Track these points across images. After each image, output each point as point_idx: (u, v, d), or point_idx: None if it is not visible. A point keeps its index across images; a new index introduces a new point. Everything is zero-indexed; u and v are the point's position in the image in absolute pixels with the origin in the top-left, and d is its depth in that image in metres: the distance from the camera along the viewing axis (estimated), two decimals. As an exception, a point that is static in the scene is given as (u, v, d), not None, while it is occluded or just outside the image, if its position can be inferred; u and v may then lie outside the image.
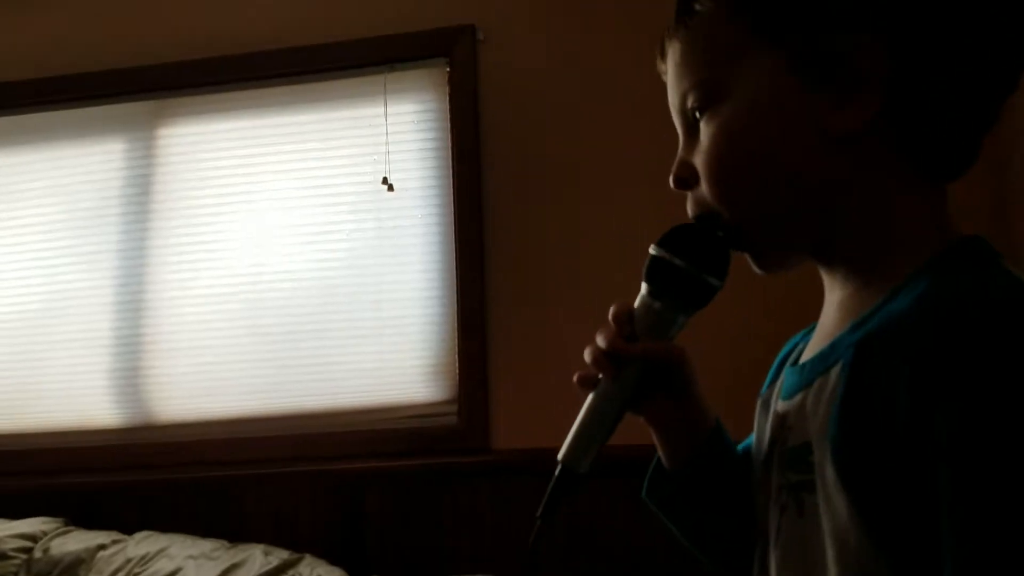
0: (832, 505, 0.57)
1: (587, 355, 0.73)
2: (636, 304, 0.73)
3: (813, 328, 0.73)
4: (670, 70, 0.71)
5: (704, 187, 0.67)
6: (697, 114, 0.68)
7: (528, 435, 2.21)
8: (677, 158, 0.71)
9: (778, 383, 0.72)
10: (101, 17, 2.58)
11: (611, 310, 0.73)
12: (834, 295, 0.68)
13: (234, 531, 2.18)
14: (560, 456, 0.74)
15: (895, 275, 0.60)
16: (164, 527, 2.18)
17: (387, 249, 2.37)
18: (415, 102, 2.41)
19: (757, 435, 0.74)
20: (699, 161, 0.68)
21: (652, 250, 0.71)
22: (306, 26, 2.46)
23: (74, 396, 2.40)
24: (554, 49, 2.37)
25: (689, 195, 0.70)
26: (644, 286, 0.72)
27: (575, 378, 0.74)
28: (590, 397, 0.74)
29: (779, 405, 0.69)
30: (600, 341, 0.72)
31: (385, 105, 2.40)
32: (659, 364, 0.73)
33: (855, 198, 0.63)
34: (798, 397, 0.65)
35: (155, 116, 2.51)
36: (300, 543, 2.16)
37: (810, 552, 0.61)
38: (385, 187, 2.36)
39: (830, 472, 0.57)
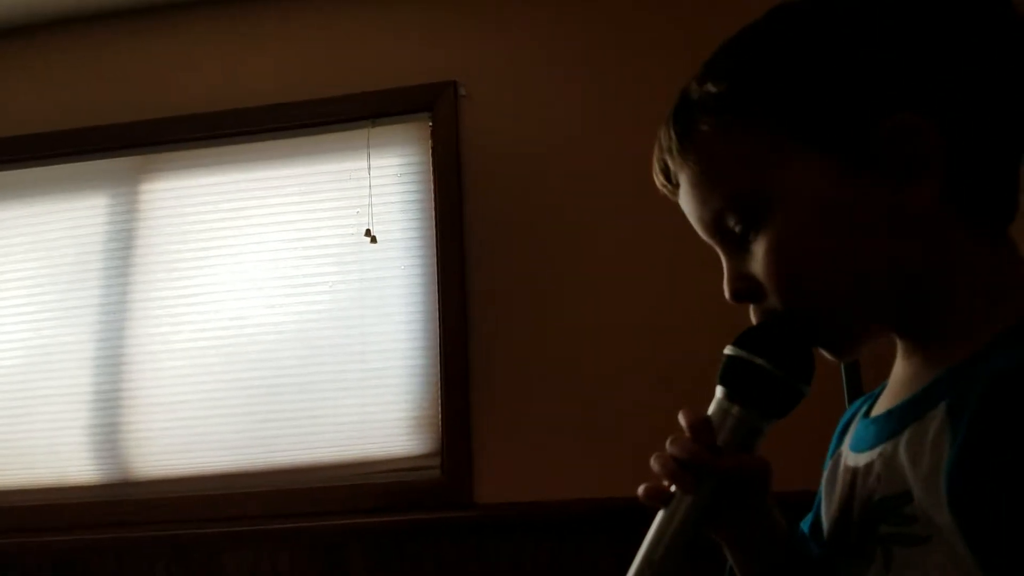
0: (948, 555, 0.54)
1: (658, 465, 0.66)
2: (711, 410, 0.67)
3: (878, 391, 0.71)
4: (687, 191, 0.69)
5: (776, 298, 0.65)
6: (739, 229, 0.66)
7: (513, 489, 2.19)
8: (729, 274, 0.68)
9: (846, 439, 0.70)
10: (85, 74, 2.61)
11: (684, 417, 0.67)
12: (915, 351, 0.66)
13: None
14: None
15: (993, 323, 0.59)
16: None
17: (370, 301, 2.36)
18: (398, 156, 2.43)
19: (826, 498, 0.71)
20: (764, 273, 0.65)
21: (730, 352, 0.66)
22: (290, 82, 2.49)
23: (54, 452, 2.36)
24: (535, 104, 2.41)
25: (752, 307, 0.68)
26: (719, 390, 0.67)
27: (640, 492, 0.67)
28: (658, 518, 0.67)
29: (852, 459, 0.67)
30: (678, 451, 0.66)
31: (368, 159, 2.42)
32: (749, 478, 0.67)
33: (935, 270, 0.62)
34: (884, 446, 0.62)
35: (139, 171, 2.52)
36: None
37: None
38: (368, 239, 2.36)
39: (946, 522, 0.54)
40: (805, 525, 0.79)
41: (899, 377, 0.68)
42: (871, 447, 0.64)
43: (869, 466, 0.64)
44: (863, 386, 1.54)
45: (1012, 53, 0.61)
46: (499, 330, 2.29)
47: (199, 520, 2.25)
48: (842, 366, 1.57)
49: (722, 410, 0.66)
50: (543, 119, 2.39)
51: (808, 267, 0.63)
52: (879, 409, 0.67)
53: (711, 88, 0.66)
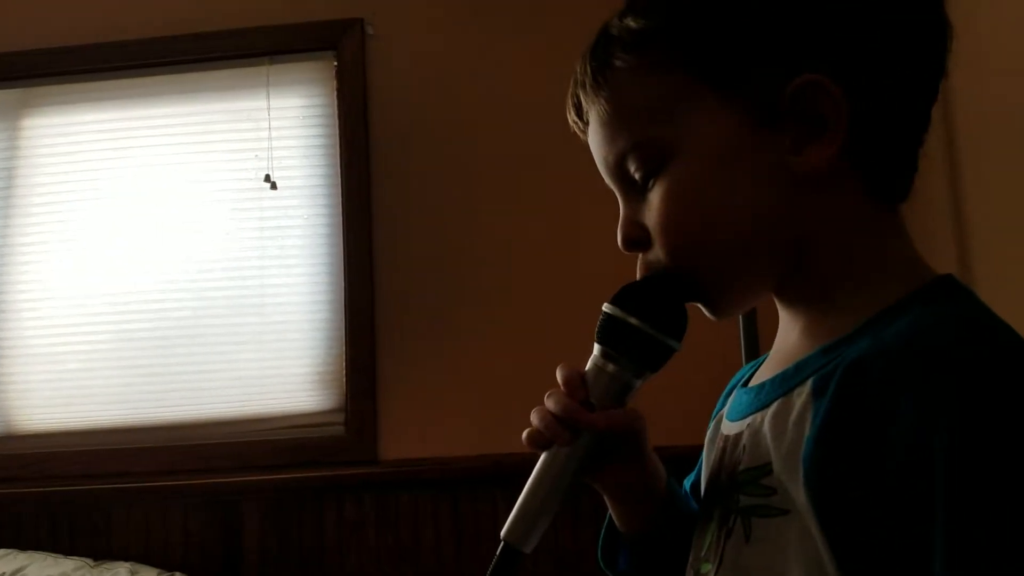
0: (803, 531, 0.56)
1: (536, 419, 0.69)
2: (588, 366, 0.69)
3: (762, 359, 0.72)
4: (595, 130, 0.68)
5: (662, 249, 0.65)
6: (639, 176, 0.65)
7: (418, 445, 2.18)
8: (623, 218, 0.68)
9: (727, 406, 0.71)
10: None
11: (560, 373, 0.69)
12: (796, 321, 0.67)
13: (99, 549, 2.11)
14: (504, 533, 0.68)
15: (870, 302, 0.60)
16: (23, 545, 2.09)
17: (270, 250, 2.28)
18: (300, 96, 2.34)
19: (705, 460, 0.73)
20: (653, 222, 0.65)
21: (607, 308, 0.67)
22: (183, 13, 2.36)
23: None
24: (447, 45, 2.33)
25: (640, 256, 0.68)
26: (597, 347, 0.68)
27: (524, 437, 0.69)
28: (538, 467, 0.69)
29: (727, 427, 0.68)
30: (552, 406, 0.68)
31: (268, 98, 2.31)
32: (619, 432, 0.70)
33: (824, 234, 0.63)
34: (754, 417, 0.63)
35: (19, 106, 2.38)
36: (172, 561, 2.10)
37: None
38: (268, 185, 2.26)
39: (801, 498, 0.56)
40: (688, 483, 0.81)
41: (778, 349, 0.69)
42: (741, 417, 0.66)
43: (738, 436, 0.65)
44: (759, 343, 1.53)
45: (925, 32, 0.62)
46: (406, 283, 2.25)
47: (84, 476, 2.18)
48: (741, 325, 1.57)
49: (597, 367, 0.68)
50: (456, 61, 2.32)
51: (697, 217, 0.63)
52: (757, 379, 0.68)
53: (631, 23, 0.65)
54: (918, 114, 0.64)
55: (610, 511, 0.77)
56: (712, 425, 0.73)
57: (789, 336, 0.67)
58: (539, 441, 0.69)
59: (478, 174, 2.27)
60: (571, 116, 0.71)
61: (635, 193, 0.67)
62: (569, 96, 0.70)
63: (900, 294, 0.60)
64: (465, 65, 2.31)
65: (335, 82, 2.32)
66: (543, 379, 0.71)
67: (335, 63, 2.32)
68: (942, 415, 0.49)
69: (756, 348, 1.51)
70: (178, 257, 2.29)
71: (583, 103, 0.69)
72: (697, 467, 0.78)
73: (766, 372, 0.67)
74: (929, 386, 0.51)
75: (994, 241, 1.47)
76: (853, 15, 0.61)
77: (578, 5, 2.25)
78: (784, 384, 0.61)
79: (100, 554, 2.07)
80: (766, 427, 0.61)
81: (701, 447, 0.78)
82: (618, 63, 0.65)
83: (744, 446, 0.64)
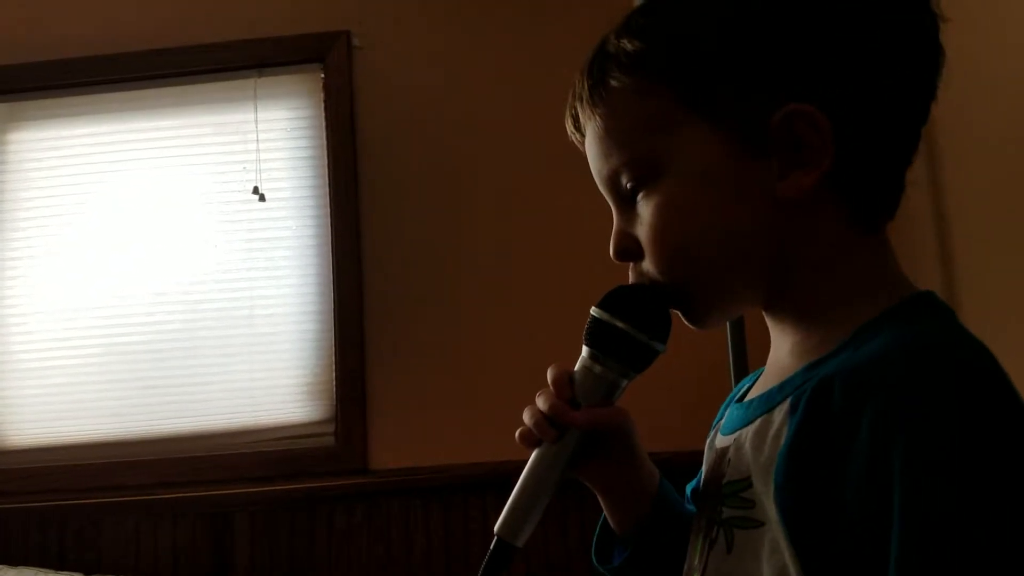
0: (774, 543, 0.58)
1: (527, 417, 0.73)
2: (576, 367, 0.72)
3: (757, 374, 0.74)
4: (591, 143, 0.70)
5: (650, 262, 0.67)
6: (631, 189, 0.68)
7: (408, 454, 2.17)
8: (616, 230, 0.70)
9: (723, 420, 0.73)
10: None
11: (550, 373, 0.73)
12: (785, 339, 0.69)
13: (90, 563, 2.10)
14: (497, 528, 0.72)
15: (851, 320, 0.62)
16: (13, 560, 2.07)
17: (259, 262, 2.29)
18: (287, 109, 2.34)
19: (703, 472, 0.75)
20: (643, 236, 0.67)
21: (595, 312, 0.70)
22: (171, 26, 2.36)
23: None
24: (433, 57, 2.34)
25: (632, 266, 0.70)
26: (585, 349, 0.71)
27: (517, 435, 0.73)
28: (529, 464, 0.73)
29: (720, 440, 0.70)
30: (541, 404, 0.72)
31: (256, 111, 2.32)
32: (605, 429, 0.73)
33: (807, 255, 0.64)
34: (740, 433, 0.65)
35: (6, 120, 2.38)
36: (163, 574, 2.09)
37: None
38: (256, 197, 2.26)
39: (772, 510, 0.58)
40: (689, 488, 0.82)
41: (770, 366, 0.71)
42: (732, 432, 0.68)
43: (725, 450, 0.67)
44: (746, 348, 1.54)
45: (917, 59, 0.64)
46: (395, 293, 2.25)
47: (75, 490, 2.17)
48: (728, 336, 1.58)
49: (584, 367, 0.71)
50: (442, 73, 2.33)
51: (684, 236, 0.65)
52: (750, 395, 0.70)
53: (627, 45, 0.67)
54: (906, 137, 0.65)
55: (604, 510, 0.79)
56: (711, 434, 0.75)
57: (779, 353, 0.69)
58: (529, 439, 0.72)
59: (466, 185, 2.28)
60: (569, 127, 0.73)
61: (627, 206, 0.69)
62: (568, 108, 0.72)
63: (878, 312, 0.61)
64: (452, 76, 2.32)
65: (322, 94, 2.33)
66: (533, 387, 0.73)
67: (322, 75, 2.33)
68: (899, 432, 0.51)
69: (744, 352, 1.53)
70: (167, 270, 2.29)
71: (580, 117, 0.71)
72: (699, 473, 0.79)
73: (758, 388, 0.70)
74: (889, 405, 0.52)
75: (977, 256, 1.48)
76: (842, 44, 0.62)
77: (564, 16, 2.29)
78: (768, 402, 0.63)
79: (91, 568, 2.06)
80: (748, 443, 0.63)
81: (687, 451, 0.79)
82: (613, 82, 0.67)
83: (729, 460, 0.66)
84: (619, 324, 0.68)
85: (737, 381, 1.52)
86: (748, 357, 1.54)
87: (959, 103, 1.36)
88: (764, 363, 0.75)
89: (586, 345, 0.71)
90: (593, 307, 0.70)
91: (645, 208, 0.67)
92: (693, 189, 0.64)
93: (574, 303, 2.11)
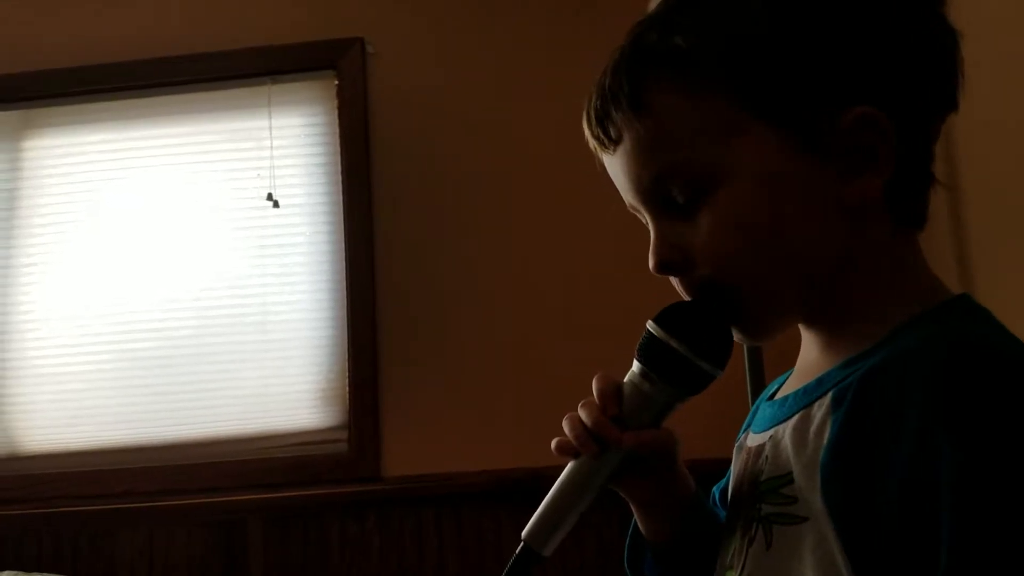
0: (820, 538, 0.58)
1: (567, 427, 0.69)
2: (625, 380, 0.68)
3: (787, 375, 0.73)
4: (628, 149, 0.65)
5: (713, 270, 0.64)
6: (683, 198, 0.64)
7: (421, 462, 2.16)
8: (657, 241, 0.66)
9: (754, 420, 0.72)
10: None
11: (596, 384, 0.69)
12: (819, 338, 0.68)
13: (102, 569, 2.10)
14: (524, 534, 0.69)
15: (889, 320, 0.62)
16: (27, 566, 2.06)
17: (272, 268, 2.29)
18: (301, 115, 2.35)
19: (732, 473, 0.74)
20: (707, 246, 0.64)
21: (651, 328, 0.66)
22: (185, 34, 2.37)
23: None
24: (447, 63, 2.34)
25: (682, 278, 0.67)
26: (636, 364, 0.67)
27: (553, 445, 0.69)
28: (564, 474, 0.69)
29: (752, 439, 0.69)
30: (584, 417, 0.68)
31: (270, 118, 2.33)
32: (649, 453, 0.70)
33: (860, 260, 0.64)
34: (776, 429, 0.65)
35: (22, 127, 2.39)
36: None
37: None
38: (270, 203, 2.27)
39: (818, 504, 0.57)
40: (716, 489, 0.82)
41: (801, 365, 0.70)
42: (765, 429, 0.67)
43: (761, 447, 0.66)
44: (763, 362, 1.53)
45: (945, 52, 0.64)
46: (408, 300, 2.24)
47: (88, 497, 2.17)
48: (745, 349, 1.57)
49: (634, 384, 0.67)
50: (455, 78, 2.33)
51: (755, 242, 0.63)
52: (781, 393, 0.69)
53: (679, 42, 0.63)
54: (937, 132, 0.66)
55: (636, 518, 0.78)
56: (741, 436, 0.75)
57: (811, 352, 0.69)
58: (567, 450, 0.69)
59: (479, 191, 2.27)
60: (594, 130, 0.68)
61: (672, 215, 0.65)
62: (592, 110, 0.67)
63: (916, 313, 0.61)
64: (465, 82, 2.32)
65: (336, 101, 2.33)
66: (546, 396, 0.72)
67: (336, 82, 2.34)
68: (947, 426, 0.51)
69: (760, 359, 1.52)
70: (180, 276, 2.30)
71: (615, 119, 0.66)
72: (727, 475, 0.79)
73: (790, 386, 0.69)
74: (937, 397, 0.52)
75: (994, 258, 1.47)
76: (894, 47, 0.62)
77: (578, 22, 2.29)
78: (806, 397, 0.63)
79: (103, 575, 2.07)
80: (787, 438, 0.62)
81: (704, 459, 0.80)
82: (660, 82, 0.63)
83: (767, 456, 0.65)
84: (677, 347, 0.65)
85: (754, 388, 1.52)
86: (764, 364, 1.53)
87: (976, 104, 1.35)
88: (781, 371, 0.75)
89: (637, 360, 0.67)
90: (650, 321, 0.66)
91: (707, 216, 0.63)
92: (761, 196, 0.62)
93: (591, 312, 2.14)
